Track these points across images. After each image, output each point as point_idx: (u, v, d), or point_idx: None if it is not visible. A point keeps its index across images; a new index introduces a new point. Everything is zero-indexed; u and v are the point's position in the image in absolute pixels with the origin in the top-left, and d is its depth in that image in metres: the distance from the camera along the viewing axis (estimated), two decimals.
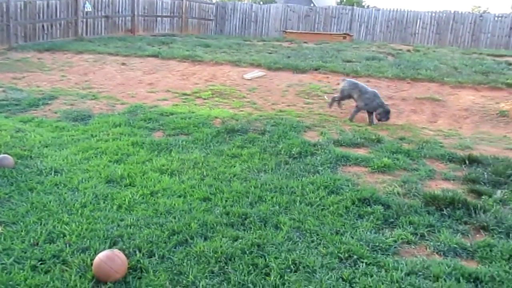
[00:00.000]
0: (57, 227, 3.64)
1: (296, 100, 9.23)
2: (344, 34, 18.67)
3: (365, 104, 7.80)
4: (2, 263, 3.11)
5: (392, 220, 4.05)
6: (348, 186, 4.76)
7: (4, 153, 5.17)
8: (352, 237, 3.67)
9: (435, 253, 3.55)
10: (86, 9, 17.28)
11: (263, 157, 5.61)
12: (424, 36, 19.86)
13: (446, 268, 3.25)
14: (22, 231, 3.55)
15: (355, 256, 3.38)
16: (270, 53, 14.03)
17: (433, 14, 19.69)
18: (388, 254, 3.48)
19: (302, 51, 14.17)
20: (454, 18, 19.33)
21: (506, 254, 3.47)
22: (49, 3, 16.23)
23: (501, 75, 10.81)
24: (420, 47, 16.41)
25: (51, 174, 4.83)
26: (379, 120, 7.74)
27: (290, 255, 3.35)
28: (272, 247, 3.47)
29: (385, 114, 7.68)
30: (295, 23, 21.46)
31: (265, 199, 4.37)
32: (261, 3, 26.36)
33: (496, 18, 18.94)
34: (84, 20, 17.32)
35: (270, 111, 8.23)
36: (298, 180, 4.90)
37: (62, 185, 4.55)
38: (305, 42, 16.50)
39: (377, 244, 3.58)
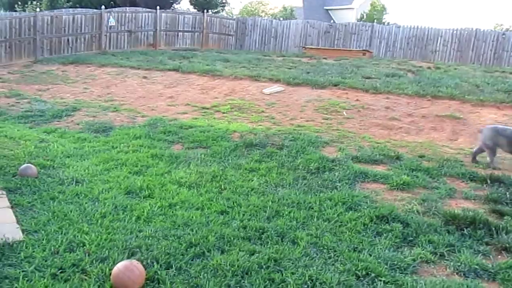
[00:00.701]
0: (77, 236, 3.70)
1: (315, 115, 9.24)
2: (364, 50, 18.66)
3: None
4: (24, 271, 3.17)
5: (411, 238, 4.00)
6: (366, 202, 4.72)
7: (28, 163, 5.31)
8: (370, 255, 3.63)
9: (455, 273, 3.49)
10: (110, 24, 17.70)
11: (281, 172, 5.62)
12: (445, 53, 19.66)
13: None
14: (43, 239, 3.62)
15: (372, 274, 3.34)
16: (289, 68, 14.10)
17: (454, 32, 19.49)
18: (407, 273, 3.43)
19: (322, 67, 14.20)
20: (476, 35, 19.11)
21: None
22: (75, 17, 16.71)
23: None
24: (440, 64, 16.27)
25: (72, 184, 4.93)
26: None
27: (307, 271, 3.33)
28: (289, 262, 3.46)
29: None
30: (315, 39, 21.52)
31: (283, 214, 4.37)
32: (281, 19, 26.55)
33: None
34: (108, 34, 17.74)
35: (288, 126, 8.25)
36: (316, 195, 4.89)
37: (83, 195, 4.63)
38: (324, 58, 16.54)
39: (395, 262, 3.54)
